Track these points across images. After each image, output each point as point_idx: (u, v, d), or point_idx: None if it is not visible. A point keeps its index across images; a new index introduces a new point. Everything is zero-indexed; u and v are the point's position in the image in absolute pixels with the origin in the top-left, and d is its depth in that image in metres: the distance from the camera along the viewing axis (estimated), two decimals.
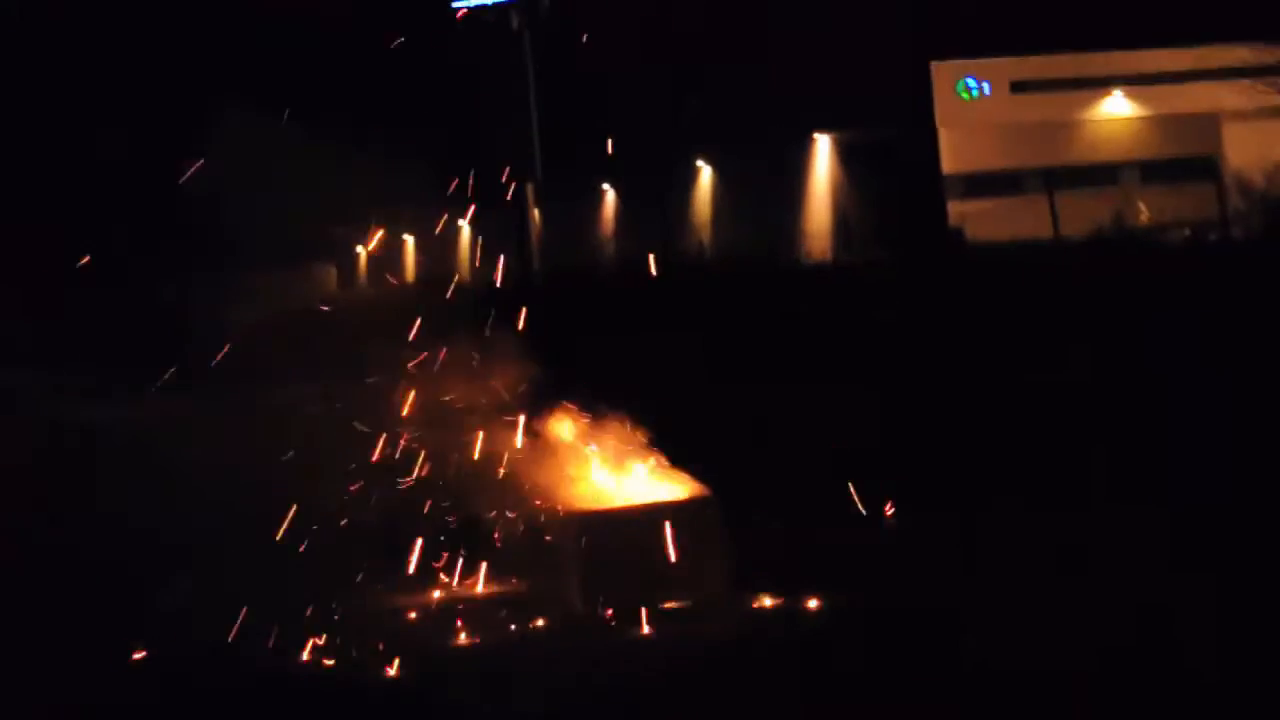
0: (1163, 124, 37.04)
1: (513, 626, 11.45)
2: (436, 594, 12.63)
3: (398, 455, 12.97)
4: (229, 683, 10.28)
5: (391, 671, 10.49)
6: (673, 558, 11.59)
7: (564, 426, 12.87)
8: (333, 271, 49.05)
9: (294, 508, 12.62)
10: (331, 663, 10.94)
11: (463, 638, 11.45)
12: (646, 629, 10.98)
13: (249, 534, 12.59)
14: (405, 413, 13.04)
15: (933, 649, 9.92)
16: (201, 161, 15.74)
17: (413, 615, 12.09)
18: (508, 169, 34.62)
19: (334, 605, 11.94)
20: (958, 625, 10.46)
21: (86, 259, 17.67)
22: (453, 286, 17.38)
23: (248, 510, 12.66)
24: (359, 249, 55.80)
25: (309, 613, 11.68)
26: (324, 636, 11.19)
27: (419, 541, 12.93)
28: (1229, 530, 12.51)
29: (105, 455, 14.53)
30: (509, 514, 12.58)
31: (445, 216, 48.98)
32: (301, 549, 12.49)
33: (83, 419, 16.64)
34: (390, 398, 13.22)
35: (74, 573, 12.40)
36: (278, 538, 12.49)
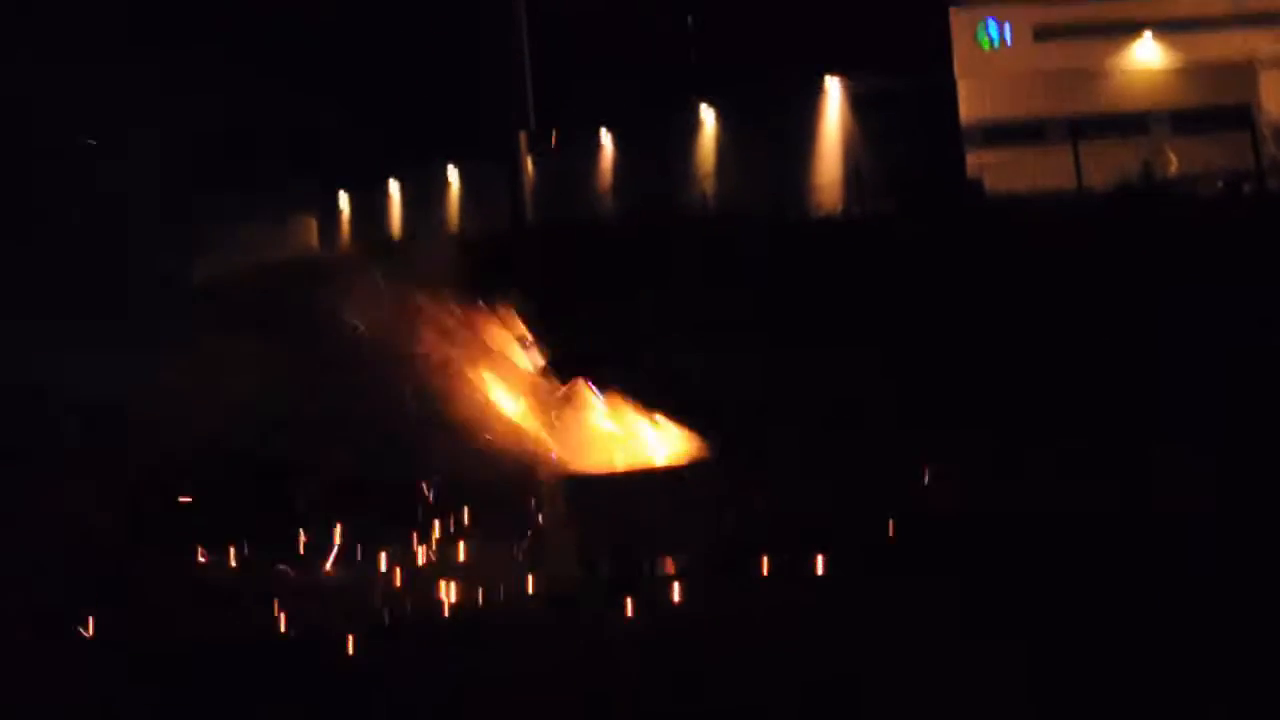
0: (1195, 71, 36.41)
1: (500, 593, 10.94)
2: (420, 559, 12.08)
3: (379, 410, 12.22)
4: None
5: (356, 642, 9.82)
6: (671, 521, 11.23)
7: (555, 384, 12.26)
8: (313, 223, 48.41)
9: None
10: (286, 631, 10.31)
11: (444, 607, 10.55)
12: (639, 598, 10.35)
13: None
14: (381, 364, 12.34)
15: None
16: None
17: (397, 583, 11.50)
18: (499, 117, 34.19)
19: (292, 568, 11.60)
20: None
21: None
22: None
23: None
24: (340, 200, 55.83)
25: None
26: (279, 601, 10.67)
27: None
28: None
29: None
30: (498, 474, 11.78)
31: (434, 167, 48.47)
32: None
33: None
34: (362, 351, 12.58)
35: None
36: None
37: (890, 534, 11.64)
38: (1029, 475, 13.70)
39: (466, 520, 12.24)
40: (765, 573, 10.74)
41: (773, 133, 37.04)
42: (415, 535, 12.33)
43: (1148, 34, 36.31)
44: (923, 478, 13.44)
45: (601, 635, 9.61)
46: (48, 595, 10.69)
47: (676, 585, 10.55)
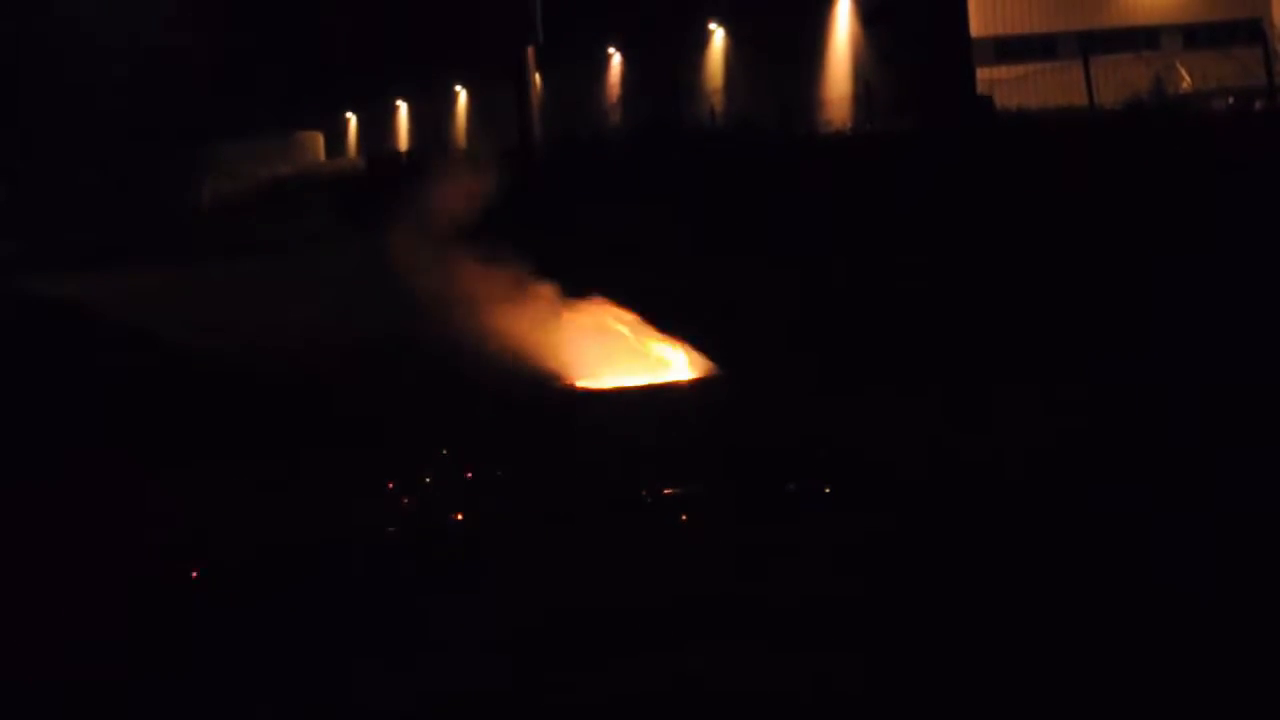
0: None
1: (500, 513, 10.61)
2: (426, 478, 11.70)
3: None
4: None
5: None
6: (676, 440, 11.06)
7: (562, 302, 12.21)
8: (319, 139, 48.24)
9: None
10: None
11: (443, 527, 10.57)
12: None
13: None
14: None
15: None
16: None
17: (405, 501, 11.21)
18: (508, 31, 33.96)
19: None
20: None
21: None
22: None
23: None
24: (349, 116, 55.59)
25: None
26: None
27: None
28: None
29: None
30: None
31: (442, 83, 48.02)
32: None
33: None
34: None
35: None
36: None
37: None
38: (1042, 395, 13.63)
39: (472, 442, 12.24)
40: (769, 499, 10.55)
41: (782, 48, 36.90)
42: (425, 456, 12.42)
43: None
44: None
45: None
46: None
47: (679, 508, 10.44)
